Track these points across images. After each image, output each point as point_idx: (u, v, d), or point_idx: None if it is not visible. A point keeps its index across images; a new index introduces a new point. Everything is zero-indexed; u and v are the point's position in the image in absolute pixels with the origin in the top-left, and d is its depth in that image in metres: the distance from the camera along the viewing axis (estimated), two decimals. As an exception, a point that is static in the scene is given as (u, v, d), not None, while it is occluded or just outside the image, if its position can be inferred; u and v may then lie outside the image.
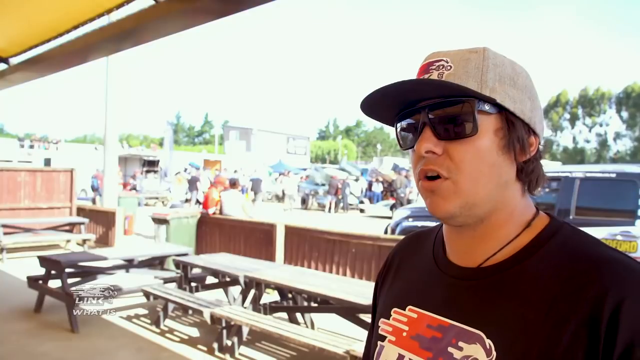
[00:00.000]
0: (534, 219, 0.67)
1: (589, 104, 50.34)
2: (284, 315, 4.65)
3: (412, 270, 0.77)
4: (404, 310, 0.72)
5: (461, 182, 0.61)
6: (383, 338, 0.73)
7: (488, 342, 0.60)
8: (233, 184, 7.98)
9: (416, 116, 0.65)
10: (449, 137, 0.62)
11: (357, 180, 23.07)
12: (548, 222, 0.66)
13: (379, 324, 0.75)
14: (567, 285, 0.58)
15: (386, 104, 0.66)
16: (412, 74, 0.69)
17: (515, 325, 0.58)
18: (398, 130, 0.69)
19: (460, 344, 0.62)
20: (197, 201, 15.91)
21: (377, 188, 21.38)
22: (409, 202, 15.18)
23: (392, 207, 15.94)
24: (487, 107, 0.62)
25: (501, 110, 0.63)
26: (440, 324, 0.66)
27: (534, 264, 0.62)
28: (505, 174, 0.64)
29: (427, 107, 0.63)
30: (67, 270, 4.84)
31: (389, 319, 0.74)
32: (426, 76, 0.65)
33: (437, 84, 0.62)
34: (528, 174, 0.66)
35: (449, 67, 0.64)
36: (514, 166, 0.65)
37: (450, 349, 0.63)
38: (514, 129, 0.64)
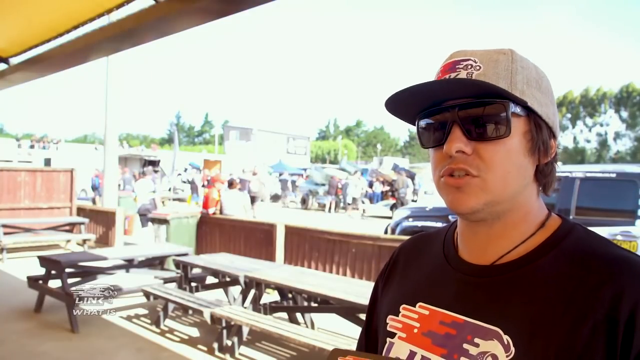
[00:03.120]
0: (547, 220, 0.68)
1: (590, 103, 50.34)
2: (284, 315, 4.65)
3: (420, 268, 0.77)
4: (414, 306, 0.72)
5: (490, 181, 0.62)
6: (392, 335, 0.72)
7: (506, 338, 0.60)
8: (231, 183, 7.98)
9: (441, 115, 0.65)
10: (480, 138, 0.62)
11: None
12: (561, 223, 0.67)
13: (387, 321, 0.75)
14: (583, 283, 0.59)
15: (412, 102, 0.66)
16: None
17: (532, 322, 0.59)
18: (420, 128, 0.69)
19: (477, 340, 0.62)
20: None
21: (377, 188, 21.37)
22: (406, 202, 15.18)
23: (392, 207, 15.93)
24: (518, 109, 0.63)
25: (529, 113, 0.64)
26: (454, 320, 0.66)
27: (548, 263, 0.63)
28: (528, 175, 0.65)
29: (457, 106, 0.63)
30: (67, 270, 4.84)
31: (397, 316, 0.73)
32: (453, 75, 0.64)
33: (475, 84, 0.62)
34: (546, 175, 0.68)
35: (478, 67, 0.63)
36: (534, 168, 0.66)
37: (465, 346, 0.63)
38: (541, 132, 0.65)
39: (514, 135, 0.62)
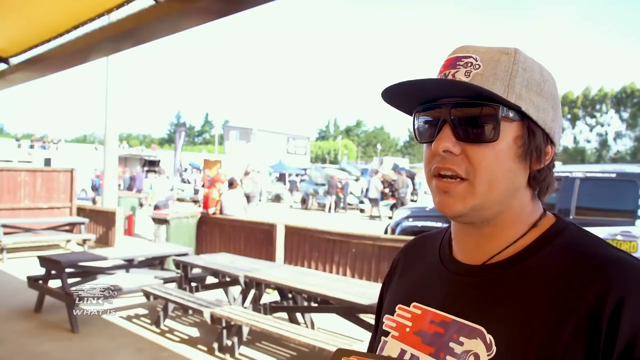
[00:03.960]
0: (540, 219, 0.67)
1: (591, 104, 50.36)
2: (284, 315, 4.65)
3: (418, 269, 0.78)
4: (408, 306, 0.73)
5: (477, 185, 0.62)
6: (387, 333, 0.74)
7: (488, 337, 0.60)
8: (231, 183, 7.98)
9: (436, 111, 0.65)
10: (468, 139, 0.62)
11: (357, 180, 23.05)
12: (554, 222, 0.67)
13: (383, 320, 0.76)
14: (570, 282, 0.58)
15: (408, 95, 0.66)
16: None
17: (516, 321, 0.59)
18: (415, 122, 0.69)
19: (461, 338, 0.62)
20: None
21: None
22: (406, 202, 15.18)
23: (392, 207, 15.93)
24: (511, 114, 0.62)
25: (523, 117, 0.63)
26: (442, 319, 0.66)
27: (537, 262, 0.62)
28: (518, 181, 0.64)
29: (450, 104, 0.62)
30: (67, 270, 4.84)
31: (393, 315, 0.74)
32: (452, 71, 0.64)
33: (464, 87, 0.61)
34: (539, 182, 0.67)
35: (477, 66, 0.63)
36: (527, 173, 0.65)
37: (451, 344, 0.63)
38: (534, 138, 0.64)
39: (504, 139, 0.62)
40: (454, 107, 0.62)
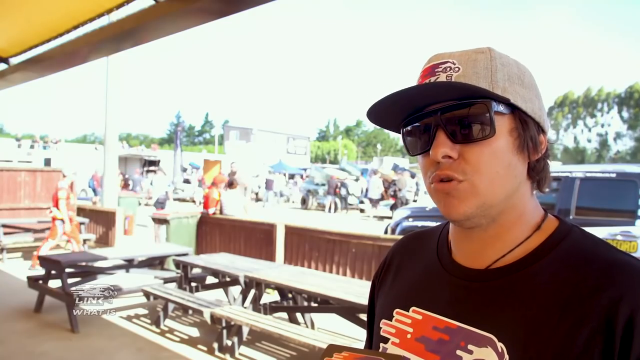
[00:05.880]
0: (543, 221, 0.66)
1: (591, 104, 50.38)
2: (284, 315, 4.65)
3: (414, 271, 0.75)
4: (407, 311, 0.70)
5: (478, 183, 0.60)
6: (386, 340, 0.71)
7: (500, 345, 0.58)
8: (231, 184, 7.98)
9: (424, 121, 0.63)
10: (465, 140, 0.60)
11: (357, 180, 23.03)
12: (558, 225, 0.65)
13: (380, 325, 0.73)
14: (579, 288, 0.57)
15: (393, 110, 0.65)
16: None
17: (527, 329, 0.57)
18: (405, 136, 0.67)
19: (470, 347, 0.61)
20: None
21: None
22: (407, 202, 15.17)
23: (392, 207, 15.91)
24: (501, 107, 0.61)
25: (513, 110, 0.63)
26: (447, 325, 0.64)
27: (544, 267, 0.61)
28: (520, 174, 0.64)
29: (440, 110, 0.61)
30: (67, 270, 4.84)
31: (391, 320, 0.72)
32: (432, 79, 0.63)
33: (453, 86, 0.60)
34: (539, 172, 0.66)
35: (457, 69, 0.62)
36: (526, 165, 0.65)
37: (459, 352, 0.61)
38: (527, 128, 0.63)
39: (500, 134, 0.61)
40: (443, 111, 0.61)
